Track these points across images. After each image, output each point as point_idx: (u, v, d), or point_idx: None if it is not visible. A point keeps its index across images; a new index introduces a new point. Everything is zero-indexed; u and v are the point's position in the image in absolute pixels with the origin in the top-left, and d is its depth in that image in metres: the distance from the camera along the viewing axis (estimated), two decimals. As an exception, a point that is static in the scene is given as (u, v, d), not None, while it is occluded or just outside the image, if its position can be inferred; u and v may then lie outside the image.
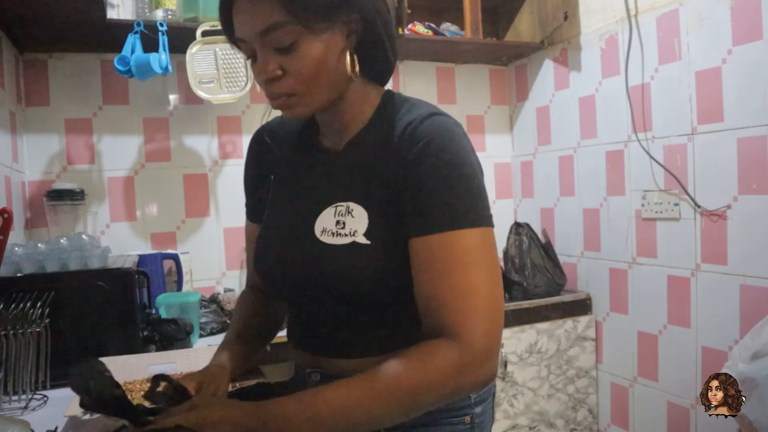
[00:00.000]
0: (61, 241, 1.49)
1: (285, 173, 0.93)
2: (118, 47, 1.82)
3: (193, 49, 1.91)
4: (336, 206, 0.82)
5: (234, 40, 0.80)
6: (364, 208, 0.80)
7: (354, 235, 0.79)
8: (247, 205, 1.03)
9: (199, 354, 1.55)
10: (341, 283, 0.80)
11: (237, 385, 1.30)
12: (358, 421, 0.68)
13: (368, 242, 0.78)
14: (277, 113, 0.87)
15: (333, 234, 0.81)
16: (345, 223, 0.80)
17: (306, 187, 0.88)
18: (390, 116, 0.83)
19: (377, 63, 0.84)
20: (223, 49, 1.93)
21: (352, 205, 0.81)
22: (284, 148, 0.95)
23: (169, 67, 1.84)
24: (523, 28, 2.48)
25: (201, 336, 1.79)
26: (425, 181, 0.76)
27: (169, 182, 2.16)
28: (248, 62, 0.85)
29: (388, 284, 0.79)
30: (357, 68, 0.79)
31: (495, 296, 0.74)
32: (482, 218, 0.76)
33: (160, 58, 1.81)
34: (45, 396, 1.23)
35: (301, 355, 0.92)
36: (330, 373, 0.86)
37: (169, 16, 1.93)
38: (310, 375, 0.89)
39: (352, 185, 0.83)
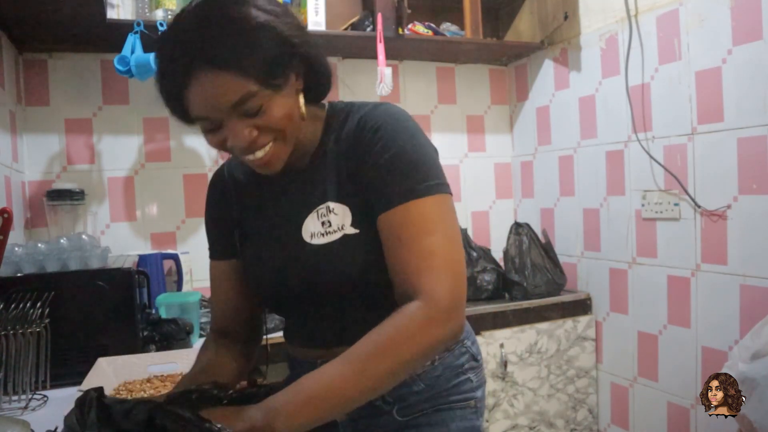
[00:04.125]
0: (61, 241, 1.49)
1: (257, 202, 0.96)
2: (118, 47, 1.82)
3: (193, 49, 1.90)
4: (316, 210, 0.87)
5: (187, 120, 0.81)
6: (342, 204, 0.85)
7: (342, 228, 0.84)
8: (213, 245, 1.02)
9: (199, 354, 1.55)
10: (342, 277, 0.83)
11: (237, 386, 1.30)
12: (351, 393, 0.70)
13: (357, 231, 0.84)
14: None
15: (322, 234, 0.85)
16: (330, 222, 0.85)
17: (283, 206, 0.91)
18: (341, 121, 0.89)
19: (321, 86, 0.89)
20: (223, 49, 1.92)
21: (331, 204, 0.86)
22: (249, 181, 0.97)
23: (169, 67, 1.84)
24: (523, 28, 2.48)
25: (201, 336, 1.78)
26: (380, 163, 0.81)
27: (169, 182, 2.16)
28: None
29: (385, 266, 0.82)
30: (303, 109, 0.83)
31: (454, 256, 0.78)
32: (436, 186, 0.81)
33: (160, 58, 1.81)
34: (45, 396, 1.23)
35: (308, 351, 0.93)
36: None
37: (169, 16, 1.92)
38: (318, 364, 0.89)
39: (325, 188, 0.87)
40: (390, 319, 0.74)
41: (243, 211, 0.98)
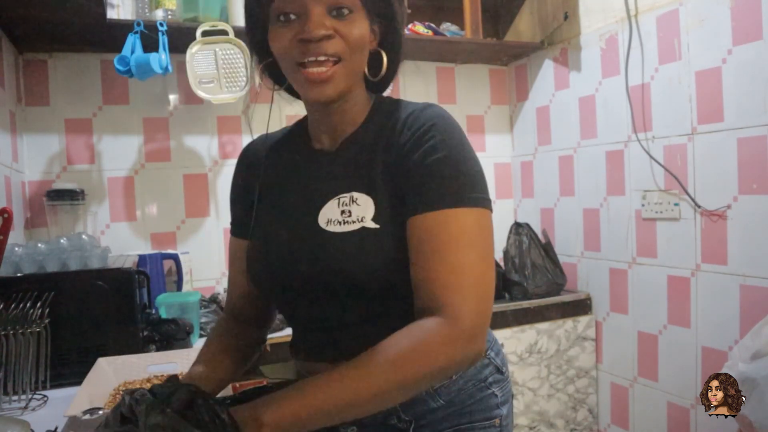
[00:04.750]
0: (61, 241, 1.49)
1: (279, 180, 0.93)
2: (118, 47, 1.82)
3: (193, 49, 1.91)
4: (339, 198, 0.82)
5: (260, 14, 0.83)
6: (368, 196, 0.81)
7: (362, 221, 0.79)
8: (234, 221, 1.00)
9: (199, 354, 1.55)
10: (353, 270, 0.78)
11: (237, 385, 1.30)
12: (352, 401, 0.67)
13: (377, 226, 0.79)
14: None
15: (340, 223, 0.81)
16: (351, 212, 0.80)
17: (305, 186, 0.88)
18: (387, 113, 0.86)
19: (386, 71, 0.88)
20: (223, 49, 1.92)
21: (355, 194, 0.81)
22: (275, 157, 0.95)
23: (169, 67, 1.84)
24: (523, 28, 2.48)
25: (201, 336, 1.78)
26: (426, 161, 0.77)
27: (169, 182, 2.16)
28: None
29: (400, 269, 0.78)
30: (378, 71, 0.86)
31: (486, 277, 0.74)
32: (481, 200, 0.77)
33: (160, 58, 1.81)
34: (45, 396, 1.23)
35: (314, 365, 0.89)
36: None
37: (169, 16, 1.93)
38: None
39: (353, 177, 0.83)
40: (406, 331, 0.70)
41: (265, 187, 0.94)
